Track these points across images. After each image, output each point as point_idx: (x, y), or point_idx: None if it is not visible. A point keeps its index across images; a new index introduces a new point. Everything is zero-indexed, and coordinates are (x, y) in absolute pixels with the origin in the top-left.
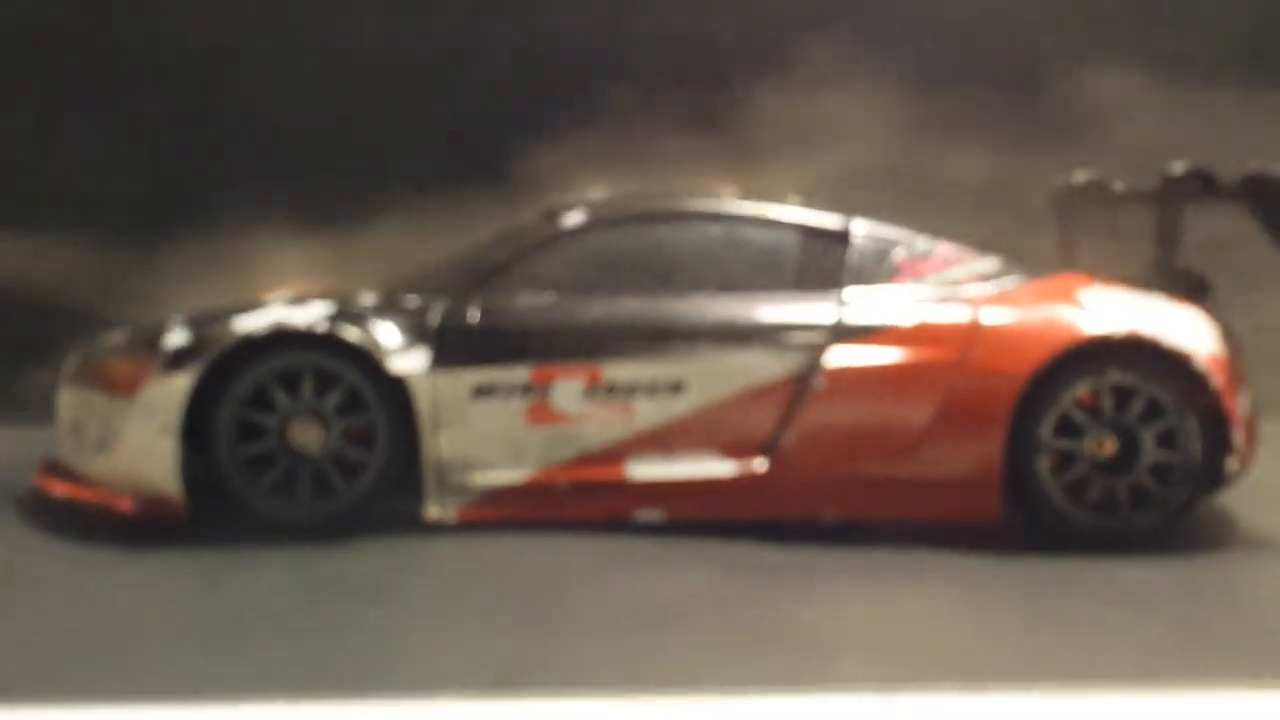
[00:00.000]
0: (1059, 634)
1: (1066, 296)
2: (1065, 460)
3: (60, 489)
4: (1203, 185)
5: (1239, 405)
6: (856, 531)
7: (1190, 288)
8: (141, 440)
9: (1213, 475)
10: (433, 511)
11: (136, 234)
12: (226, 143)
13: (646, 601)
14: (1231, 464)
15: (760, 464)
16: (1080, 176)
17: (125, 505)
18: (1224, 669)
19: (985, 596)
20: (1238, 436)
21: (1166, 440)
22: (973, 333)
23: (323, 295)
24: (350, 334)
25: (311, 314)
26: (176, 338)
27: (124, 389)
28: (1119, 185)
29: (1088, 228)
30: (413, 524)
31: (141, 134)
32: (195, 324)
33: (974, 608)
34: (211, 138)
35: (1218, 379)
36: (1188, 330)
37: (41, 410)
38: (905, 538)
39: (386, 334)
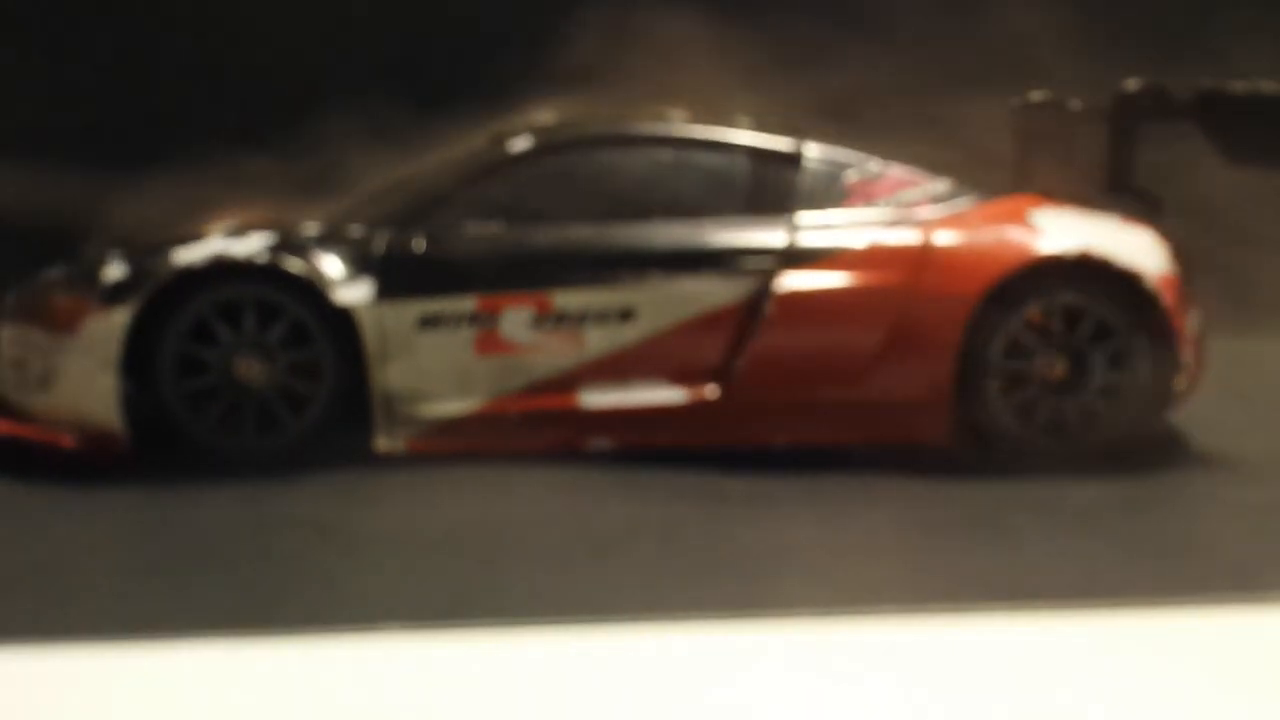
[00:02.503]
0: (1006, 555)
1: (1018, 218)
2: (1015, 381)
3: (2, 426)
4: (1156, 102)
5: (1188, 325)
6: (808, 457)
7: (1143, 207)
8: (83, 376)
9: (1161, 395)
10: (382, 443)
11: (97, 164)
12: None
13: (595, 531)
14: (1180, 384)
15: (712, 391)
16: (1036, 95)
17: (68, 442)
18: (1170, 588)
19: (934, 519)
20: (1186, 356)
21: (1116, 361)
22: (924, 255)
23: (264, 225)
24: (293, 265)
25: (252, 245)
26: (114, 271)
27: (64, 325)
28: (1075, 103)
29: (1043, 146)
30: (361, 457)
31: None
32: (133, 257)
33: (922, 530)
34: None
35: (1167, 299)
36: (1138, 250)
37: None
38: (856, 462)
39: (330, 264)
